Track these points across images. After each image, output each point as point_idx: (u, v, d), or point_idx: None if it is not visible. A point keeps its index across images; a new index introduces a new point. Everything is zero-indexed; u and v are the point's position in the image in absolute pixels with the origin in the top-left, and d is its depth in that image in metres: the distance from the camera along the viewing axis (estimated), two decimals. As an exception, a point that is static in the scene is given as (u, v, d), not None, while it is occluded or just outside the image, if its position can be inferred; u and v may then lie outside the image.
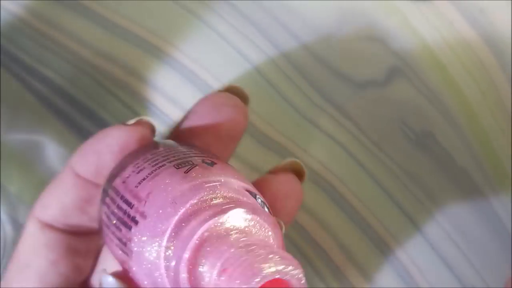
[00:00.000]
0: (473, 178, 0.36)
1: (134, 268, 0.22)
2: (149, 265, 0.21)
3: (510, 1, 0.37)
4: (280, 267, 0.19)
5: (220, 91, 0.27)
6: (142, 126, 0.25)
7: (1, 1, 0.36)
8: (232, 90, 0.27)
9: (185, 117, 0.27)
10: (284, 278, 0.19)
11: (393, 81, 0.36)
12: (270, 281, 0.19)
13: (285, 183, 0.26)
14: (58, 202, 0.26)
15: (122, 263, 0.23)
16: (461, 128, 0.36)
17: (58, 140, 0.36)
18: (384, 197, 0.36)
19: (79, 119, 0.36)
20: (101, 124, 0.36)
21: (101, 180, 0.25)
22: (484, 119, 0.36)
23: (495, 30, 0.36)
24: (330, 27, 0.37)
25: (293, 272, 0.20)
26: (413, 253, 0.36)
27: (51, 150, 0.35)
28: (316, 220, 0.36)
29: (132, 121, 0.26)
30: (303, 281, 0.20)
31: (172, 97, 0.36)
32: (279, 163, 0.27)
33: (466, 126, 0.36)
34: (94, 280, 0.27)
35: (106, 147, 0.25)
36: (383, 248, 0.35)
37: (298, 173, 0.27)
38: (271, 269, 0.19)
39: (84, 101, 0.36)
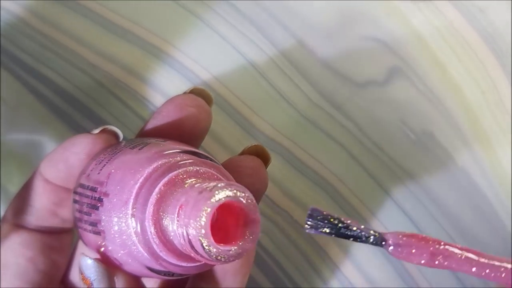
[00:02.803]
0: (473, 178, 0.36)
1: (109, 247, 0.23)
2: (122, 237, 0.23)
3: (510, 1, 0.37)
4: (228, 193, 0.21)
5: (185, 93, 0.28)
6: (107, 134, 0.27)
7: (1, 1, 0.36)
8: (196, 92, 0.28)
9: (151, 118, 0.28)
10: (234, 200, 0.21)
11: (393, 81, 0.36)
12: (222, 205, 0.21)
13: (248, 162, 0.28)
14: (30, 207, 0.27)
15: (98, 248, 0.24)
16: (461, 128, 0.36)
17: (58, 140, 0.36)
18: (384, 196, 0.36)
19: (79, 119, 0.36)
20: (101, 124, 0.36)
21: (71, 185, 0.26)
22: (484, 119, 0.36)
23: (495, 30, 0.36)
24: (330, 27, 0.37)
25: (241, 194, 0.21)
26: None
27: (51, 150, 0.36)
28: (316, 220, 0.36)
29: (97, 130, 0.27)
30: (252, 201, 0.21)
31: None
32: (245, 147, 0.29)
33: (466, 126, 0.36)
34: (73, 275, 0.28)
35: (74, 154, 0.26)
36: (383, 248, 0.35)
37: (262, 156, 0.28)
38: (220, 195, 0.21)
39: (84, 101, 0.36)
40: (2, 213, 0.35)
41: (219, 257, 0.21)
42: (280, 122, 0.36)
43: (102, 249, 0.24)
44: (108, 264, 0.24)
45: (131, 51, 0.36)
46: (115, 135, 0.27)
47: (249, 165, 0.27)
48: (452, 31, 0.36)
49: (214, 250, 0.21)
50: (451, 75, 0.36)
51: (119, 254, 0.23)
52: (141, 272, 0.24)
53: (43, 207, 0.27)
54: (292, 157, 0.36)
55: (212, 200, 0.21)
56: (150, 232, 0.22)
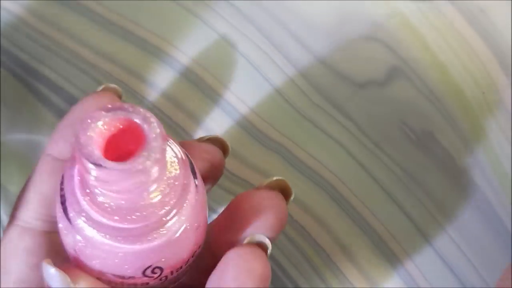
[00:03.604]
0: (473, 178, 0.36)
1: (76, 247, 0.22)
2: (81, 234, 0.22)
3: (510, 1, 0.37)
4: (119, 114, 0.18)
5: (200, 139, 0.27)
6: (110, 91, 0.26)
7: (1, 1, 0.36)
8: (213, 141, 0.27)
9: None
10: (126, 116, 0.18)
11: (393, 81, 0.36)
12: (120, 133, 0.18)
13: (267, 198, 0.25)
14: (38, 193, 0.26)
15: (70, 250, 0.23)
16: (461, 128, 0.36)
17: (58, 140, 0.36)
18: (384, 197, 0.36)
19: (79, 119, 0.36)
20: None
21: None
22: (484, 119, 0.36)
23: (495, 30, 0.36)
24: (330, 27, 0.37)
25: (136, 112, 0.18)
26: (413, 253, 0.36)
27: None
28: (316, 220, 0.36)
29: (100, 88, 0.26)
30: (152, 121, 0.19)
31: (172, 97, 0.36)
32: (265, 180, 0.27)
33: (466, 126, 0.36)
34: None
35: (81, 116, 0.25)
36: (383, 247, 0.35)
37: (284, 191, 0.26)
38: (109, 115, 0.18)
39: (84, 101, 0.36)
40: (2, 215, 0.35)
41: (117, 173, 0.18)
42: (280, 122, 0.36)
43: (73, 250, 0.23)
44: (81, 268, 0.23)
45: (131, 51, 0.36)
46: (117, 93, 0.26)
47: (266, 202, 0.25)
48: (452, 31, 0.36)
49: (106, 167, 0.18)
50: (451, 75, 0.36)
51: (87, 253, 0.22)
52: (113, 269, 0.22)
53: (52, 190, 0.25)
54: (292, 157, 0.36)
55: (90, 122, 0.18)
56: (86, 207, 0.20)
